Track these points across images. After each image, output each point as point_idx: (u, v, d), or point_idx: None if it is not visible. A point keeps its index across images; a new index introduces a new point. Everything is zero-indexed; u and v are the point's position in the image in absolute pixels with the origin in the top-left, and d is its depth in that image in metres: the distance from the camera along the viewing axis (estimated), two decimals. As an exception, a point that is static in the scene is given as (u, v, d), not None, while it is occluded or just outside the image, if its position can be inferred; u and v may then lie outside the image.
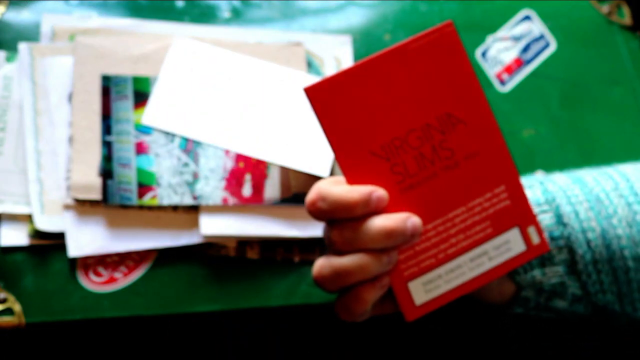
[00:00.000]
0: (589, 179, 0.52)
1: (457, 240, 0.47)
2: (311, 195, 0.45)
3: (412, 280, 0.46)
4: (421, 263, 0.46)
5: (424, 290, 0.47)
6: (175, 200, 0.57)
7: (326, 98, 0.45)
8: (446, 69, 0.46)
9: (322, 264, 0.45)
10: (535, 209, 0.50)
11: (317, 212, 0.45)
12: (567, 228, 0.49)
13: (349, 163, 0.45)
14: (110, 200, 0.57)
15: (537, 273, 0.50)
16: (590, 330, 0.58)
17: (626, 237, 0.49)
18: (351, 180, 0.45)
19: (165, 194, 0.57)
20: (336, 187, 0.45)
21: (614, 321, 0.52)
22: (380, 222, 0.44)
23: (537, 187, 0.52)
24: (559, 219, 0.50)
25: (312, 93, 0.45)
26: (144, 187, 0.57)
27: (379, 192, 0.44)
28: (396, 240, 0.44)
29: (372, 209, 0.44)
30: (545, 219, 0.50)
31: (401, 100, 0.45)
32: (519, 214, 0.47)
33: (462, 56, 0.46)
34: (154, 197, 0.57)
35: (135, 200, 0.57)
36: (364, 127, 0.45)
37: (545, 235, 0.50)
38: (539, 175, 0.54)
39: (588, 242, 0.49)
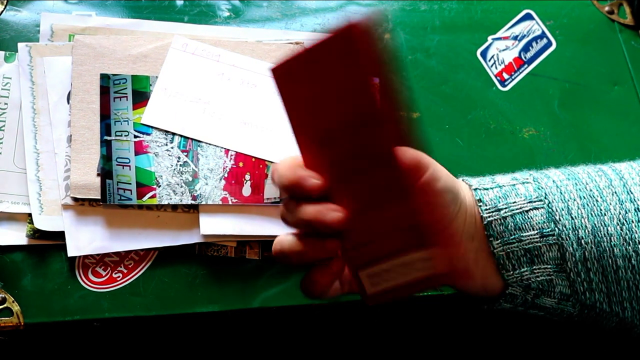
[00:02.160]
0: (583, 175, 0.52)
1: (388, 242, 0.45)
2: (272, 166, 0.48)
3: (361, 270, 0.46)
4: (363, 256, 0.46)
5: (370, 282, 0.46)
6: (174, 200, 0.57)
7: (287, 79, 0.44)
8: (345, 71, 0.42)
9: (275, 240, 0.47)
10: (527, 205, 0.50)
11: (274, 184, 0.46)
12: (558, 225, 0.49)
13: (302, 146, 0.45)
14: (110, 200, 0.56)
15: (525, 270, 0.50)
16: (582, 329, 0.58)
17: (617, 235, 0.49)
18: (305, 162, 0.45)
19: (165, 194, 0.57)
20: (283, 166, 0.45)
21: (603, 321, 0.51)
22: (302, 209, 0.44)
23: (530, 182, 0.52)
24: (551, 216, 0.50)
25: (277, 73, 0.44)
26: (143, 187, 0.57)
27: (311, 181, 0.44)
28: (315, 228, 0.44)
29: (304, 194, 0.44)
30: (537, 216, 0.50)
31: (331, 93, 0.43)
32: (424, 234, 0.44)
33: (357, 59, 0.41)
34: (153, 196, 0.57)
35: (134, 200, 0.57)
36: (314, 113, 0.44)
37: (536, 232, 0.49)
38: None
39: (579, 239, 0.49)
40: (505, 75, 0.68)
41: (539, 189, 0.51)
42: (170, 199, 0.57)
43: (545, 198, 0.50)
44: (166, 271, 0.57)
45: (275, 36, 0.65)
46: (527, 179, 0.52)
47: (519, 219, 0.50)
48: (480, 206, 0.50)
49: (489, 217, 0.50)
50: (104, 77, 0.60)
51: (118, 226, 0.57)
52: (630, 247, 0.49)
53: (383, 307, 0.60)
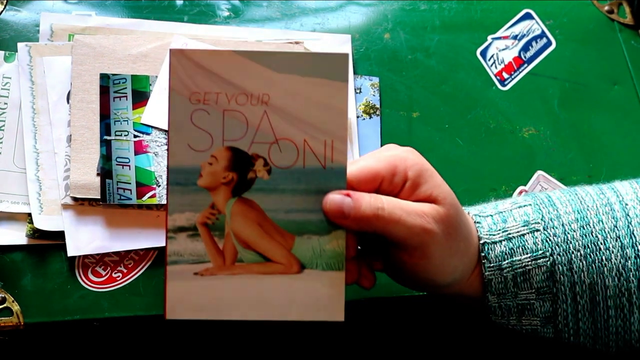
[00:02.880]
0: (591, 214, 0.50)
1: None
2: None
3: None
4: None
5: None
6: (174, 199, 0.57)
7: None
8: None
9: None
10: (531, 264, 0.49)
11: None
12: (556, 285, 0.49)
13: None
14: (109, 199, 0.56)
15: (513, 319, 0.50)
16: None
17: (613, 286, 0.48)
18: None
19: (165, 194, 0.57)
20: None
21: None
22: None
23: (540, 230, 0.50)
24: (552, 275, 0.49)
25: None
26: (143, 187, 0.57)
27: None
28: None
29: None
30: (538, 274, 0.49)
31: None
32: None
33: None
34: (153, 196, 0.57)
35: (134, 200, 0.57)
36: None
37: (533, 290, 0.49)
38: (541, 181, 0.53)
39: (574, 295, 0.49)
40: (505, 75, 0.68)
41: (546, 240, 0.49)
42: (170, 198, 0.57)
43: (550, 255, 0.49)
44: (166, 271, 0.57)
45: (275, 36, 0.65)
46: (538, 224, 0.50)
47: (520, 278, 0.49)
48: (484, 263, 0.49)
49: (490, 275, 0.49)
50: (104, 77, 0.60)
51: (118, 226, 0.57)
52: (624, 298, 0.48)
53: (383, 307, 0.60)
